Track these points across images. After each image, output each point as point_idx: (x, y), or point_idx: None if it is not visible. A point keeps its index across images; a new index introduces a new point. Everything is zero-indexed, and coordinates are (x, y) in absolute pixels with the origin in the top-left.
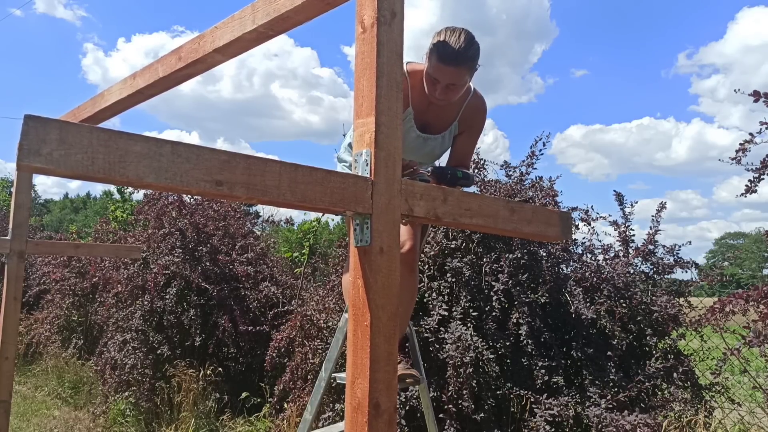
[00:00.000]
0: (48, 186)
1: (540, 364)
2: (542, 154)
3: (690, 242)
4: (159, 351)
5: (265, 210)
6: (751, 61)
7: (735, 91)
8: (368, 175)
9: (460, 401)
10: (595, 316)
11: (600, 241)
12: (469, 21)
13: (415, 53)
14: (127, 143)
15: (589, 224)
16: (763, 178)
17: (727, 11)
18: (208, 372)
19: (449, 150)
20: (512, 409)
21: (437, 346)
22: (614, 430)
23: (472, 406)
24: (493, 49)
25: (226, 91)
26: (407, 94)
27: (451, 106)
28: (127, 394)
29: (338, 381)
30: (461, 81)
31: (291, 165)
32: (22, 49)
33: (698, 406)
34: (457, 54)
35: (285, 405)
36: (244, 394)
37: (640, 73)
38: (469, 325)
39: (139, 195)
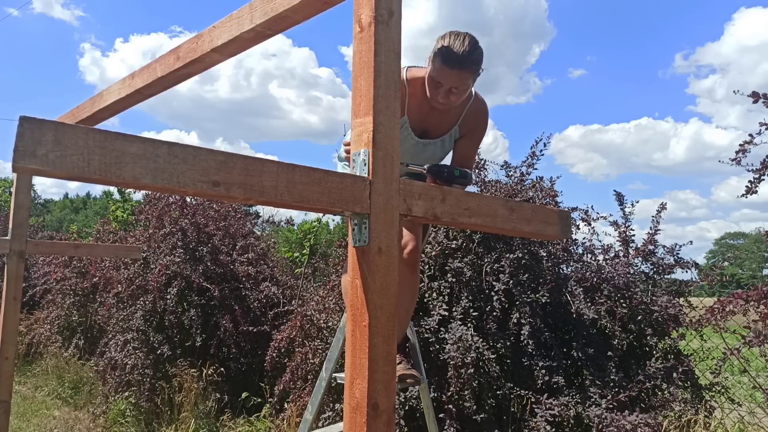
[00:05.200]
0: (47, 186)
1: (540, 364)
2: (542, 155)
3: (691, 242)
4: (159, 351)
5: (265, 210)
6: (749, 62)
7: (734, 92)
8: (366, 175)
9: (460, 401)
10: (595, 316)
11: (600, 241)
12: (466, 21)
13: (413, 53)
14: (123, 144)
15: (589, 224)
16: (763, 179)
17: (724, 12)
18: (209, 372)
19: (451, 153)
20: (513, 409)
21: (438, 347)
22: (615, 430)
23: (474, 406)
24: (491, 49)
25: (223, 91)
26: (403, 102)
27: (452, 110)
28: (127, 394)
29: (339, 381)
30: (464, 85)
31: (288, 165)
32: (19, 49)
33: (698, 406)
34: (461, 57)
35: (285, 405)
36: (244, 395)
37: (637, 73)
38: (469, 325)
39: (138, 195)
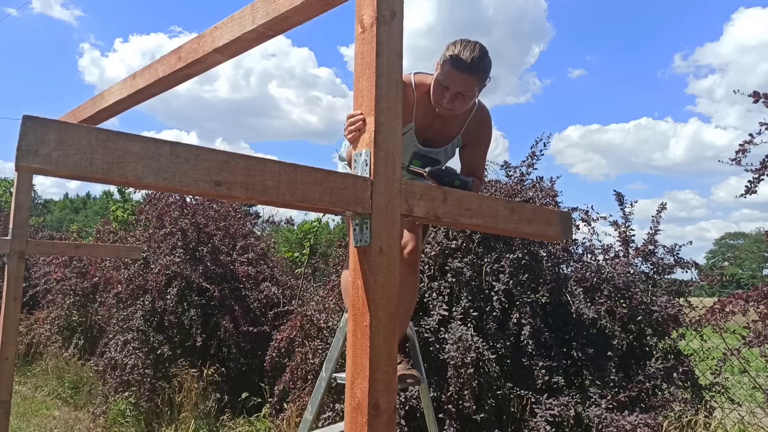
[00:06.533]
0: (47, 186)
1: (540, 364)
2: (542, 155)
3: (691, 242)
4: (159, 351)
5: (265, 210)
6: (748, 62)
7: (734, 91)
8: (368, 175)
9: (460, 401)
10: (595, 316)
11: (600, 241)
12: (465, 21)
13: (412, 53)
14: (126, 143)
15: (590, 224)
16: (762, 179)
17: (723, 12)
18: (209, 372)
19: (460, 162)
20: (512, 409)
21: (437, 347)
22: (614, 430)
23: (473, 406)
24: (490, 49)
25: (222, 91)
26: (411, 108)
27: (455, 120)
28: (127, 394)
29: (339, 381)
30: (470, 91)
31: (290, 165)
32: (18, 49)
33: (698, 406)
34: (470, 63)
35: (285, 405)
36: (244, 395)
37: (636, 73)
38: (469, 325)
39: (138, 195)
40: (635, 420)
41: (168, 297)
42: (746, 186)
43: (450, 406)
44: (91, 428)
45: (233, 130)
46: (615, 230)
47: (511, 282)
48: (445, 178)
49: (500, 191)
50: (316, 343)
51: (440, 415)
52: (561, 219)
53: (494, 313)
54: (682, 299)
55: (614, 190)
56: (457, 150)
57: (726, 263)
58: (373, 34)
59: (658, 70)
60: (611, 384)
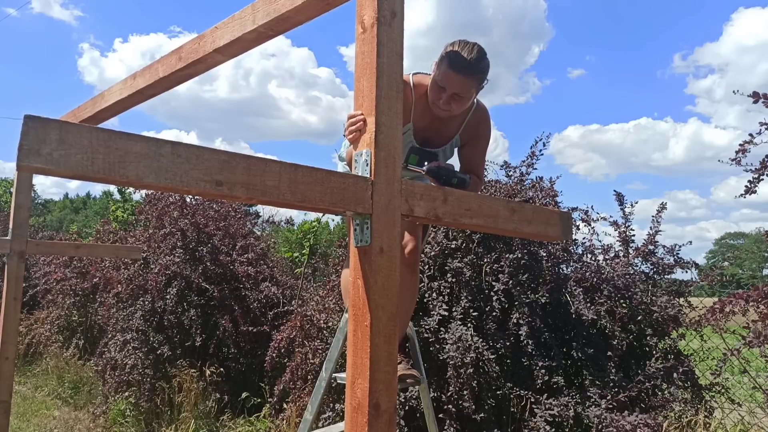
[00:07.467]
0: (47, 186)
1: (540, 364)
2: (542, 155)
3: (690, 242)
4: (159, 351)
5: (265, 210)
6: (747, 62)
7: (734, 92)
8: (368, 175)
9: (460, 401)
10: (595, 317)
11: (600, 241)
12: (465, 21)
13: (411, 53)
14: (127, 143)
15: (590, 224)
16: (762, 179)
17: (723, 12)
18: (209, 372)
19: (459, 161)
20: (512, 409)
21: (437, 347)
22: (614, 430)
23: (473, 406)
24: (490, 49)
25: (222, 91)
26: (409, 108)
27: (453, 120)
28: (127, 394)
29: (339, 381)
30: (467, 93)
31: (291, 165)
32: (18, 49)
33: (698, 406)
34: (467, 63)
35: (285, 405)
36: (244, 395)
37: (636, 73)
38: (469, 325)
39: (138, 195)
40: (635, 420)
41: (168, 297)
42: (746, 186)
43: (450, 406)
44: (91, 428)
45: (233, 130)
46: (615, 230)
47: (510, 282)
48: (443, 176)
49: (500, 191)
50: (316, 343)
51: (440, 415)
52: (561, 219)
53: (494, 313)
54: (682, 299)
55: (614, 190)
56: (456, 150)
57: (726, 263)
58: (374, 34)
59: (657, 70)
60: (611, 384)
